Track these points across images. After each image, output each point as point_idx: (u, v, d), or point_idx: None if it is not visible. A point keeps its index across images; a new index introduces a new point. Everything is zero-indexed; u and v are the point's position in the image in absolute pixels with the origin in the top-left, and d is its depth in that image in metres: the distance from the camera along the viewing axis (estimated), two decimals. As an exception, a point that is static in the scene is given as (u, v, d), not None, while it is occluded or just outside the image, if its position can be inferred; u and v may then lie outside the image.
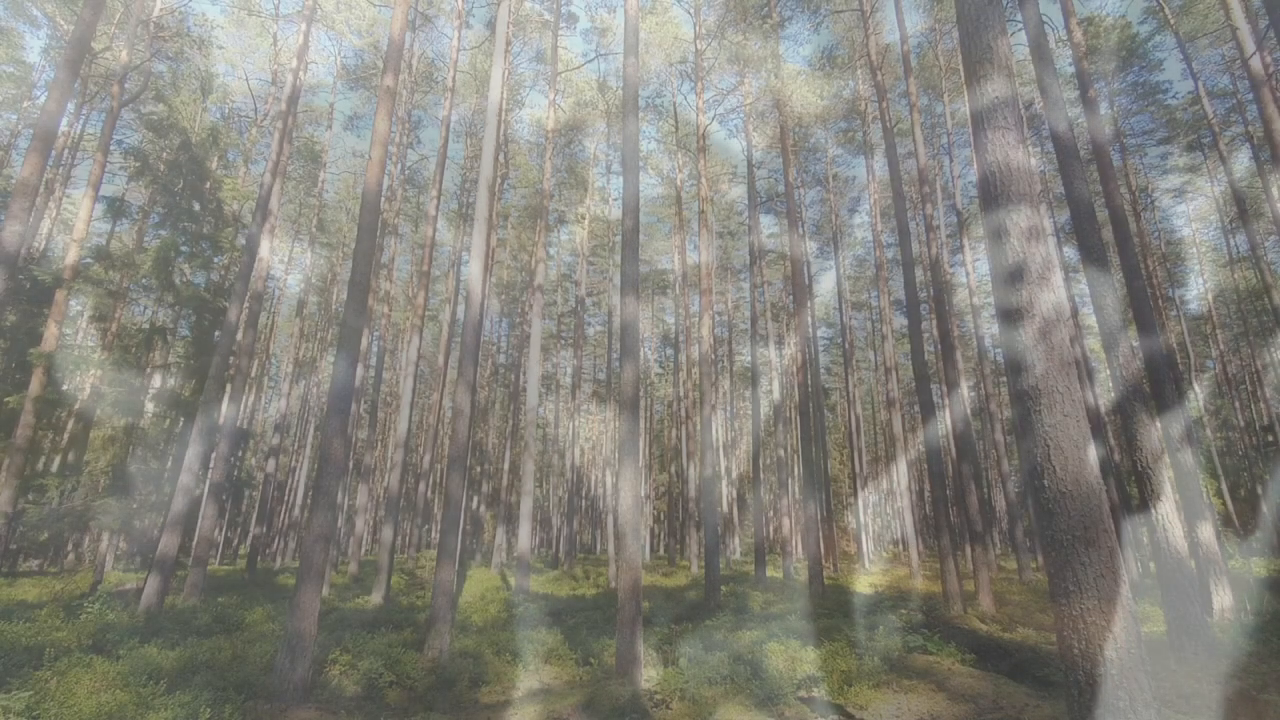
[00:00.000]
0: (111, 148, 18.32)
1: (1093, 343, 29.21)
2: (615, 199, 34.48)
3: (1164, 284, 28.05)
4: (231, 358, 14.22)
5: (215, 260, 18.13)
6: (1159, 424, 9.65)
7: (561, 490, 44.51)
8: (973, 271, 24.91)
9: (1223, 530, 23.10)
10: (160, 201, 18.73)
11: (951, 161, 25.37)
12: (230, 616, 10.74)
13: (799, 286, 17.42)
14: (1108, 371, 10.93)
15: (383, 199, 24.96)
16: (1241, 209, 17.50)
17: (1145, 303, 10.04)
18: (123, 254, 17.25)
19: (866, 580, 21.57)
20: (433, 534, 47.64)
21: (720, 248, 37.82)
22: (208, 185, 18.14)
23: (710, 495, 15.52)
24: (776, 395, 26.55)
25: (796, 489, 34.75)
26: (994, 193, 4.87)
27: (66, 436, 21.51)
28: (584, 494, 46.68)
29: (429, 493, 43.49)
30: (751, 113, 22.42)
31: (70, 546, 26.09)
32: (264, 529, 26.54)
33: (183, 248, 17.21)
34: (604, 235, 36.74)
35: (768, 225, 36.36)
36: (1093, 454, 4.23)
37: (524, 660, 8.98)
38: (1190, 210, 30.29)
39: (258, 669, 7.45)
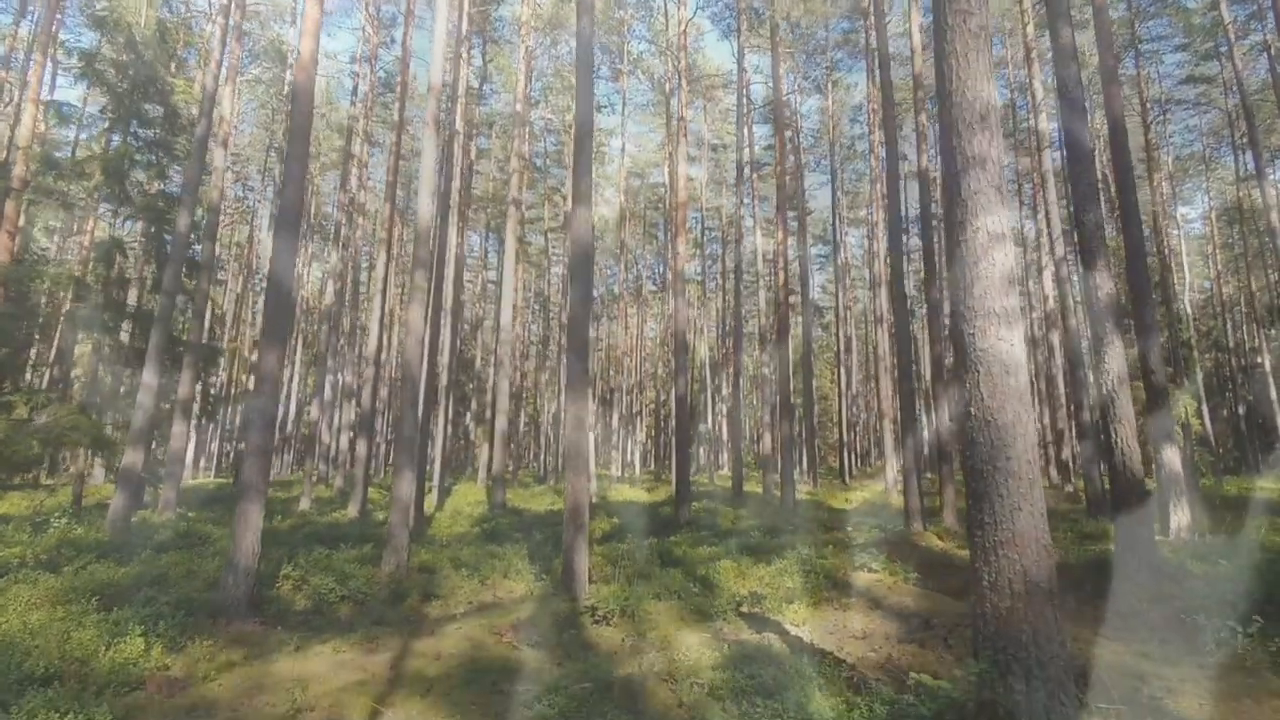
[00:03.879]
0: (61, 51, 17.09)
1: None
2: (605, 107, 32.72)
3: (1168, 201, 27.10)
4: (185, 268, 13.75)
5: (173, 169, 17.30)
6: (1134, 346, 9.38)
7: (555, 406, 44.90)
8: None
9: (1198, 451, 23.34)
10: (110, 106, 17.66)
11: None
12: (196, 531, 10.86)
13: (782, 189, 16.71)
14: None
15: (357, 104, 23.63)
16: (1250, 122, 16.53)
17: (1133, 213, 9.53)
18: (70, 163, 16.37)
19: (844, 496, 21.99)
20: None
21: (714, 161, 36.39)
22: (158, 88, 17.03)
23: (683, 412, 15.48)
24: (765, 312, 26.14)
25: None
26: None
27: (54, 351, 21.52)
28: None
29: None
30: (745, 8, 20.87)
31: (67, 460, 26.45)
32: (253, 444, 26.83)
33: (136, 155, 16.37)
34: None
35: (763, 137, 34.79)
36: (1023, 380, 3.94)
37: (481, 574, 9.06)
38: (1203, 124, 28.79)
39: (206, 584, 7.51)
